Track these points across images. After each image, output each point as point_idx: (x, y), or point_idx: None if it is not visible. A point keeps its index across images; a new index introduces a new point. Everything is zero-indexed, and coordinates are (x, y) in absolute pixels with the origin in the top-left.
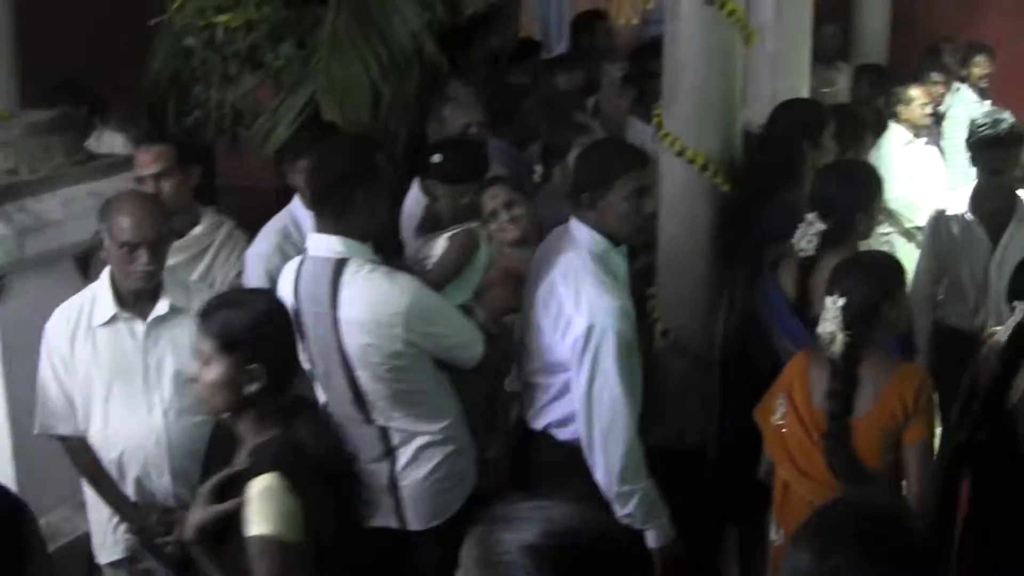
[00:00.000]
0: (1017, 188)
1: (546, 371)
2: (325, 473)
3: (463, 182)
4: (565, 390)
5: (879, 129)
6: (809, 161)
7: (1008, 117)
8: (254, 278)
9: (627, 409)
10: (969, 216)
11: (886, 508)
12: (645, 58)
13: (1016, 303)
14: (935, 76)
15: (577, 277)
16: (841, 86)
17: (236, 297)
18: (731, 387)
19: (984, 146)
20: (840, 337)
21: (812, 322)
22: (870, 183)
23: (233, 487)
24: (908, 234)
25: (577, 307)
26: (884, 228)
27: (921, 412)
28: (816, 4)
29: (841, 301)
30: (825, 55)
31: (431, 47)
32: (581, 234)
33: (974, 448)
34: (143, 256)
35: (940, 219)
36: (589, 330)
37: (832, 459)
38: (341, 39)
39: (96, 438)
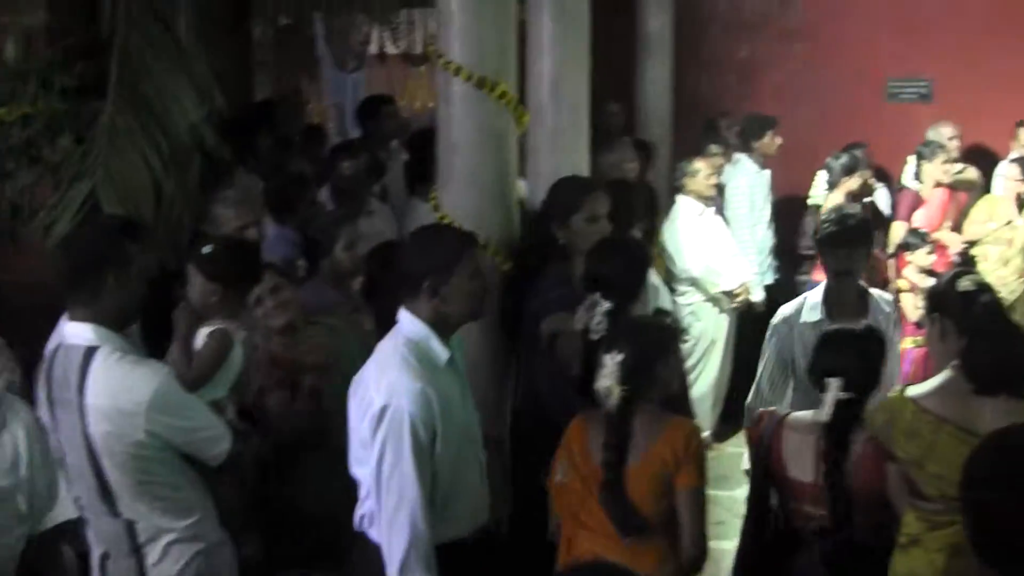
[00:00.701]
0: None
1: (358, 461)
2: None
3: (215, 281)
4: None
5: (651, 203)
6: (566, 239)
7: (855, 213)
8: None
9: (416, 497)
10: (824, 322)
11: (616, 572)
12: (424, 142)
13: (828, 380)
14: (714, 148)
15: (386, 360)
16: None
17: None
18: (521, 465)
19: (830, 245)
20: (616, 391)
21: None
22: (643, 258)
23: None
24: (714, 300)
25: (377, 388)
26: (689, 298)
27: (691, 459)
28: (599, 83)
29: (619, 357)
30: (610, 132)
31: (211, 138)
32: (404, 321)
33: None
34: None
35: (789, 326)
36: (383, 410)
37: (609, 508)
38: (119, 132)
39: None
